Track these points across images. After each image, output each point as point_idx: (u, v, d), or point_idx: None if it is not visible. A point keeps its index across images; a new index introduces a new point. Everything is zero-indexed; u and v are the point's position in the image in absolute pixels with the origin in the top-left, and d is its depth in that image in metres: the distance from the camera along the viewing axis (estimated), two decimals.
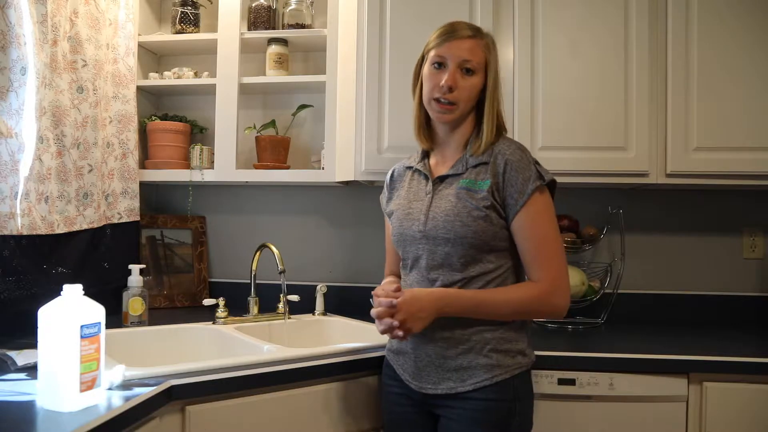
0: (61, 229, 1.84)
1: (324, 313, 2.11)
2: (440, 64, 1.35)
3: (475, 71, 1.34)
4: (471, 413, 1.30)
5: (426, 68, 1.38)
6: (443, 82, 1.32)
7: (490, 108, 1.36)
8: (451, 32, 1.35)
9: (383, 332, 1.27)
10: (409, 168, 1.50)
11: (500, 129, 1.39)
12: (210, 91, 2.23)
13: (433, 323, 1.31)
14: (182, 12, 2.27)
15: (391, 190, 1.53)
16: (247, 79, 2.21)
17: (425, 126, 1.44)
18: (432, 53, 1.36)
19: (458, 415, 1.31)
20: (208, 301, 1.97)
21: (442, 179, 1.39)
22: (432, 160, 1.45)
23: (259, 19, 2.23)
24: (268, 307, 2.03)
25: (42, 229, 1.74)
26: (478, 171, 1.34)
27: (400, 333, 1.24)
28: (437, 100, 1.34)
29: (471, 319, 1.31)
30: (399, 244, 1.43)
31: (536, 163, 1.34)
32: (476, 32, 1.37)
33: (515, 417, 1.31)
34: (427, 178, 1.42)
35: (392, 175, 1.55)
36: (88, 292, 1.14)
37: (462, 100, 1.34)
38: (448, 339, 1.32)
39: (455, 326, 1.31)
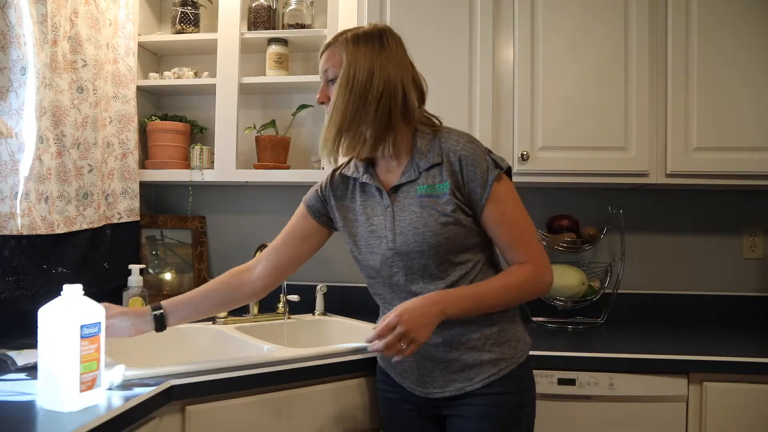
0: (61, 229, 1.84)
1: (324, 313, 2.11)
2: None
3: (337, 76, 1.29)
4: (481, 409, 1.30)
5: None
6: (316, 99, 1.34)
7: (337, 104, 1.26)
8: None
9: (387, 348, 1.17)
10: (351, 178, 1.39)
11: (410, 120, 1.31)
12: (210, 91, 2.23)
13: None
14: (182, 12, 2.27)
15: (334, 198, 1.41)
16: (247, 79, 2.21)
17: None
18: None
19: (468, 413, 1.31)
20: None
21: (396, 189, 1.32)
22: (380, 170, 1.36)
23: (259, 19, 2.23)
24: (268, 307, 2.03)
25: (42, 229, 1.74)
26: (433, 174, 1.29)
27: (405, 348, 1.17)
28: None
29: (467, 318, 1.30)
30: (372, 269, 1.36)
31: (489, 152, 1.30)
32: (336, 38, 1.32)
33: (524, 407, 1.33)
34: (380, 190, 1.33)
35: (332, 182, 1.42)
36: (88, 292, 1.14)
37: None
38: (449, 342, 1.31)
39: (453, 326, 1.30)
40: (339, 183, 1.42)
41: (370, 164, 1.37)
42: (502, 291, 1.27)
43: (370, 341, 1.20)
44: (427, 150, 1.30)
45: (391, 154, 1.32)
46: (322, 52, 1.33)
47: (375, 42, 1.28)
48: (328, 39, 1.34)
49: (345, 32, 1.32)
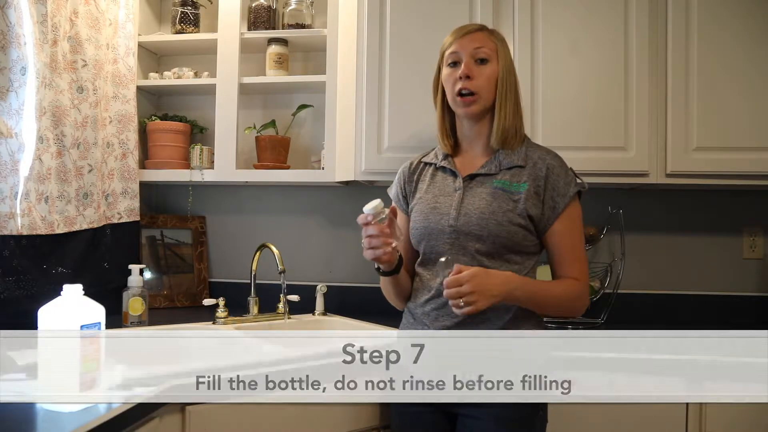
0: (61, 229, 1.84)
1: (324, 313, 2.11)
2: (455, 62, 1.38)
3: (489, 59, 1.36)
4: (497, 410, 1.30)
5: (444, 71, 1.40)
6: (460, 72, 1.35)
7: (502, 95, 1.36)
8: (459, 30, 1.40)
9: (449, 296, 1.20)
10: (429, 164, 1.47)
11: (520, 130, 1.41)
12: (210, 91, 2.23)
13: (452, 324, 1.32)
14: (182, 12, 2.27)
15: (409, 183, 1.49)
16: (247, 79, 2.21)
17: (449, 130, 1.45)
18: (446, 54, 1.39)
19: (482, 414, 1.31)
20: (208, 301, 1.97)
21: (472, 177, 1.39)
22: (457, 161, 1.44)
23: (259, 19, 2.23)
24: (268, 307, 2.02)
25: (42, 229, 1.74)
26: (512, 173, 1.35)
27: (465, 306, 1.18)
28: (459, 94, 1.36)
29: (489, 319, 1.31)
30: (422, 238, 1.40)
31: (570, 168, 1.38)
32: (483, 27, 1.42)
33: (539, 411, 1.34)
34: (454, 174, 1.41)
35: (410, 169, 1.50)
36: (88, 292, 1.14)
37: (482, 88, 1.35)
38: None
39: (477, 325, 1.31)
40: (416, 168, 1.50)
41: (449, 156, 1.45)
42: (558, 299, 1.31)
43: (443, 283, 1.22)
44: (513, 152, 1.36)
45: (484, 145, 1.41)
46: (472, 32, 1.38)
47: (506, 42, 1.42)
48: (476, 25, 1.43)
49: (487, 27, 1.42)
